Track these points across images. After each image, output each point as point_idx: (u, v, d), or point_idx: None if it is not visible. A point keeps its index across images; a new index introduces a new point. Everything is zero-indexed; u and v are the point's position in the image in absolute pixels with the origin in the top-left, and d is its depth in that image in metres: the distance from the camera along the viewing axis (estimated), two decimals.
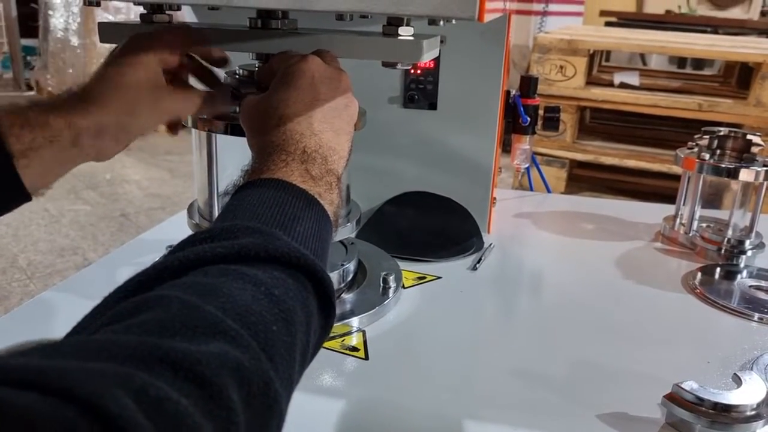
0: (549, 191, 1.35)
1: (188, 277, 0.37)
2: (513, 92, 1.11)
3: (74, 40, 3.91)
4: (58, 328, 0.60)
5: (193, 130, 0.73)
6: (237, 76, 0.71)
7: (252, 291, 0.37)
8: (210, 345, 0.31)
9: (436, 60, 0.97)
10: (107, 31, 0.69)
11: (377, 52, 0.65)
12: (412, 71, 0.98)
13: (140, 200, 2.91)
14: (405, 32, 0.64)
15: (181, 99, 0.61)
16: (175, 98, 0.60)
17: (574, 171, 2.41)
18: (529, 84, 1.11)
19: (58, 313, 0.74)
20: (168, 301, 0.33)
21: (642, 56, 3.75)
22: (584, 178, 2.44)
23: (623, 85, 2.28)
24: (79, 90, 0.58)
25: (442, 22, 0.63)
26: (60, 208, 2.75)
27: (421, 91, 0.99)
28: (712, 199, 1.11)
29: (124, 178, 3.21)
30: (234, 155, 0.89)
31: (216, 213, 0.76)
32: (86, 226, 2.59)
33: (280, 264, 0.40)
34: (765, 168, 0.97)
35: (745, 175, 0.97)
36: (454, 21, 0.67)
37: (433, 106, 0.99)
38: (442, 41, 0.97)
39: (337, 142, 0.56)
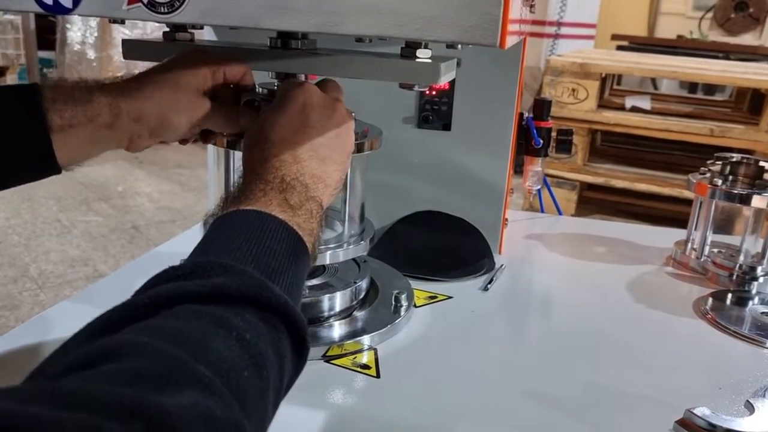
0: (560, 213, 1.35)
1: (160, 318, 0.37)
2: (526, 114, 1.12)
3: (91, 54, 3.96)
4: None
5: (211, 146, 0.74)
6: (257, 94, 0.72)
7: (224, 336, 0.37)
8: (182, 395, 0.31)
9: (451, 81, 0.98)
10: (131, 48, 0.71)
11: (395, 73, 0.66)
12: (427, 92, 0.99)
13: (151, 213, 2.93)
14: (423, 55, 0.65)
15: (218, 112, 0.63)
16: (213, 110, 0.63)
17: (584, 193, 2.42)
18: (542, 107, 1.12)
19: (69, 325, 0.74)
20: (141, 349, 0.33)
21: (653, 81, 3.76)
22: (595, 201, 2.44)
23: (635, 109, 2.29)
24: (129, 77, 0.60)
25: (459, 46, 0.64)
26: (72, 219, 2.77)
27: (435, 112, 1.00)
28: (724, 224, 1.11)
29: (136, 191, 3.23)
30: None
31: None
32: (97, 238, 2.61)
33: (253, 305, 0.40)
34: None
35: (758, 201, 0.97)
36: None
37: (447, 127, 1.00)
38: (457, 63, 0.98)
39: (323, 170, 0.57)
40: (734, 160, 1.03)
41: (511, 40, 0.49)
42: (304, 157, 0.55)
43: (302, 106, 0.58)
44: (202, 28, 0.71)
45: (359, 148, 0.73)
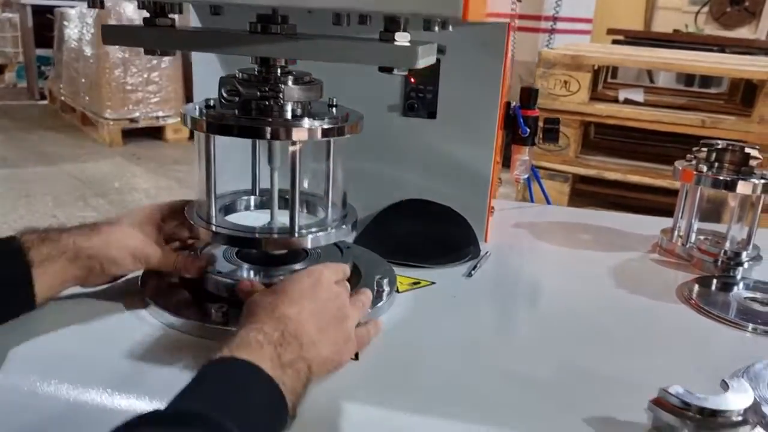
0: (549, 203, 1.35)
1: None
2: (513, 104, 1.12)
3: (88, 50, 3.96)
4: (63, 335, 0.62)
5: (196, 132, 0.74)
6: (236, 79, 0.73)
7: None
8: None
9: (436, 69, 0.98)
10: (111, 33, 0.71)
11: (373, 57, 0.67)
12: (413, 80, 0.99)
13: None
14: (401, 38, 0.65)
15: (162, 254, 0.75)
16: (156, 251, 0.75)
17: (577, 186, 2.42)
18: (529, 95, 1.12)
19: (62, 319, 0.74)
20: None
21: (650, 75, 3.76)
22: (588, 194, 2.44)
23: (628, 102, 2.29)
24: (90, 223, 0.74)
25: (436, 28, 0.65)
26: (68, 215, 2.77)
27: (420, 100, 1.00)
28: (711, 213, 1.11)
29: (133, 187, 3.24)
30: (234, 158, 0.91)
31: (213, 214, 0.77)
32: None
33: None
34: (763, 181, 0.97)
35: (743, 187, 0.97)
36: (449, 28, 0.68)
37: (432, 115, 1.00)
38: (441, 51, 0.99)
39: (320, 338, 0.62)
40: (720, 146, 1.03)
41: (477, 15, 0.49)
42: (305, 319, 0.62)
43: (314, 283, 0.66)
44: (181, 12, 0.71)
45: (340, 132, 0.74)
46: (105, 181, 3.28)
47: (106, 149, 3.86)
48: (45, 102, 5.09)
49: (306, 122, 0.72)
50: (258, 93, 0.71)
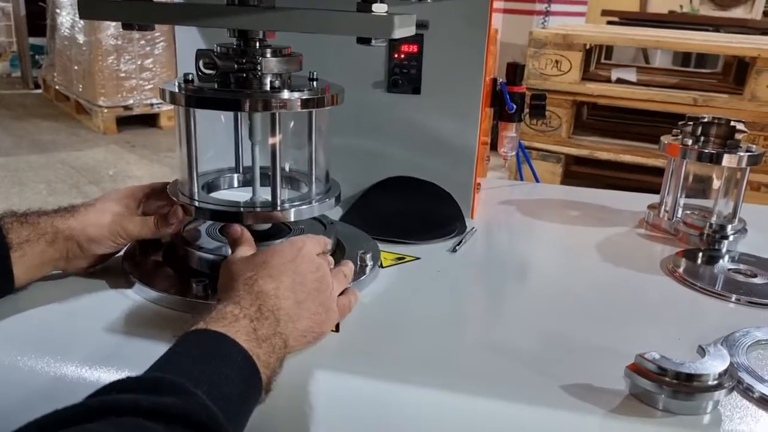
0: (537, 181, 1.35)
1: (106, 424, 0.40)
2: (499, 80, 1.12)
3: (80, 38, 3.94)
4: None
5: (175, 106, 0.74)
6: (214, 54, 0.72)
7: None
8: None
9: (419, 44, 0.98)
10: (87, 7, 0.70)
11: (350, 27, 0.66)
12: (396, 55, 0.99)
13: None
14: (378, 8, 0.65)
15: (141, 224, 0.75)
16: (134, 222, 0.74)
17: (570, 168, 2.41)
18: (515, 71, 1.12)
19: (44, 296, 0.74)
20: None
21: (645, 57, 3.74)
22: (581, 175, 2.44)
23: (621, 82, 2.28)
24: (68, 206, 0.74)
25: None
26: (61, 202, 2.76)
27: (404, 76, 1.00)
28: (698, 192, 1.10)
29: (127, 174, 3.23)
30: (218, 137, 0.90)
31: (196, 190, 0.77)
32: None
33: (195, 430, 0.43)
34: (748, 153, 0.97)
35: (728, 160, 0.97)
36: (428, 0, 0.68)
37: (416, 90, 1.00)
38: (424, 25, 0.98)
39: (297, 312, 0.62)
40: (706, 120, 1.03)
41: None
42: (283, 295, 0.61)
43: (295, 255, 0.65)
44: None
45: (319, 103, 0.74)
46: (99, 168, 3.27)
47: (100, 137, 3.85)
48: (39, 91, 5.08)
49: (285, 94, 0.72)
50: (235, 66, 0.71)
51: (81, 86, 4.05)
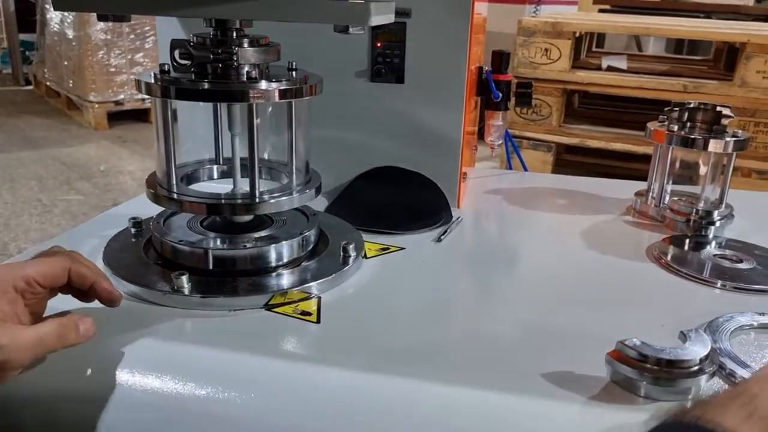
0: (526, 169, 1.34)
1: None
2: (485, 68, 1.11)
3: (70, 33, 3.91)
4: None
5: (153, 98, 0.73)
6: (189, 44, 0.71)
7: None
8: None
9: (402, 33, 0.97)
10: None
11: (327, 15, 0.65)
12: (378, 44, 0.98)
13: (134, 190, 2.92)
14: None
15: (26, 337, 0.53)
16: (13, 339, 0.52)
17: (562, 156, 2.41)
18: (500, 59, 1.11)
19: None
20: None
21: (638, 45, 3.73)
22: (572, 164, 2.43)
23: (612, 69, 2.27)
24: None
25: None
26: (52, 198, 2.76)
27: (387, 65, 0.99)
28: (685, 177, 1.09)
29: (119, 170, 3.21)
30: (198, 130, 0.89)
31: (174, 183, 0.76)
32: (78, 216, 2.60)
33: None
34: (734, 139, 0.96)
35: (714, 145, 0.97)
36: None
37: (400, 79, 0.99)
38: (407, 13, 0.97)
39: None
40: (692, 106, 1.02)
41: None
42: None
43: None
44: None
45: (298, 93, 0.73)
46: (90, 164, 3.25)
47: (91, 133, 3.83)
48: (30, 87, 5.04)
49: (263, 84, 0.71)
50: (211, 56, 0.70)
51: (71, 82, 4.03)
